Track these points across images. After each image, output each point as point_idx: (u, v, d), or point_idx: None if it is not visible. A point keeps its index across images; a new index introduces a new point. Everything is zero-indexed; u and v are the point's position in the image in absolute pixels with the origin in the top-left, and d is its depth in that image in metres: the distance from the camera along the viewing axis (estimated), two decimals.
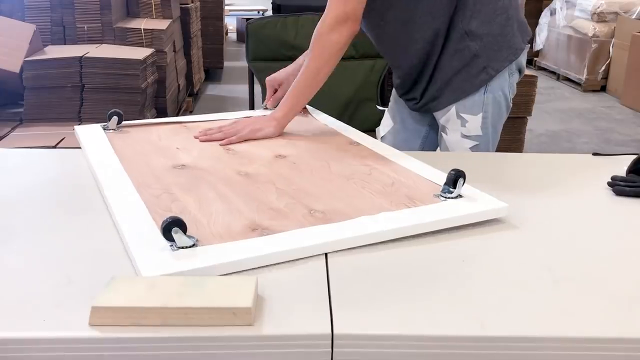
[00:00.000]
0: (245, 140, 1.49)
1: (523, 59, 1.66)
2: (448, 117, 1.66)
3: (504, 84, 1.63)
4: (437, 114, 1.70)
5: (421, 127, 1.83)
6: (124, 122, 1.59)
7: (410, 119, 1.83)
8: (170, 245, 0.96)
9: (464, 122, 1.64)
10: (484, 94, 1.61)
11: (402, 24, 1.59)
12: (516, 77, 1.66)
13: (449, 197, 1.16)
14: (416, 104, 1.73)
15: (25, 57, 3.14)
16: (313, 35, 1.57)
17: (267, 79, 1.81)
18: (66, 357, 0.80)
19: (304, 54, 1.72)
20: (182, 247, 0.96)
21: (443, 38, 1.58)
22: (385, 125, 1.90)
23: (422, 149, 1.83)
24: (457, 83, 1.62)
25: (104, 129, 1.56)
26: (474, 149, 1.65)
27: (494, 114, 1.64)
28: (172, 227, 0.96)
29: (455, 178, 1.16)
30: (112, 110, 1.57)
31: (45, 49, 3.37)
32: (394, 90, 1.86)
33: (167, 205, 1.12)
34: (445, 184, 1.19)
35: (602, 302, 0.91)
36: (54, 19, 3.65)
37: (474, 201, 1.15)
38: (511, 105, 1.70)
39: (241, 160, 1.36)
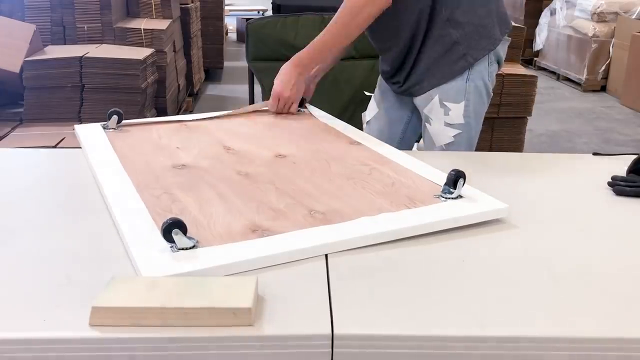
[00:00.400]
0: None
1: (502, 50, 1.71)
2: (431, 106, 1.70)
3: (484, 73, 1.68)
4: (420, 103, 1.74)
5: (404, 113, 1.88)
6: (123, 121, 1.59)
7: (394, 105, 1.89)
8: (171, 247, 0.96)
9: (447, 111, 1.68)
10: (466, 82, 1.67)
11: (392, 7, 1.62)
12: (495, 68, 1.72)
13: (449, 198, 1.17)
14: (400, 87, 1.78)
15: (25, 57, 3.15)
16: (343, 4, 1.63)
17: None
18: (66, 357, 0.80)
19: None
20: (183, 249, 0.96)
21: (426, 23, 1.64)
22: (371, 110, 1.96)
23: (404, 133, 1.90)
24: (438, 68, 1.67)
25: (104, 128, 1.56)
26: (457, 137, 1.68)
27: (475, 102, 1.69)
28: (172, 228, 0.96)
29: (455, 178, 1.16)
30: (112, 109, 1.57)
31: (46, 49, 3.37)
32: (379, 77, 1.92)
33: (167, 206, 1.12)
34: (445, 184, 1.19)
35: (602, 302, 0.91)
36: (54, 19, 3.65)
37: (474, 202, 1.15)
38: (492, 94, 1.75)
39: (241, 159, 1.36)
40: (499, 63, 1.72)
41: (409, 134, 1.91)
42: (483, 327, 0.84)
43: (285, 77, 1.71)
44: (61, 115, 3.21)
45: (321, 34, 1.67)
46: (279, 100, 1.72)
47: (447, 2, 1.62)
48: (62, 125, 3.14)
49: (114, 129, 1.56)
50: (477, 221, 1.13)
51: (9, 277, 0.93)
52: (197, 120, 1.67)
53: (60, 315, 0.83)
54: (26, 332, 0.80)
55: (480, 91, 1.69)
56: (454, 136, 1.68)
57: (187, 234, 0.97)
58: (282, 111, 1.74)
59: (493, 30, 1.66)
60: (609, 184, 1.31)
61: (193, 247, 0.97)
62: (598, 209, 1.23)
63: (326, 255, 1.00)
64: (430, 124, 1.72)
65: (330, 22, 1.64)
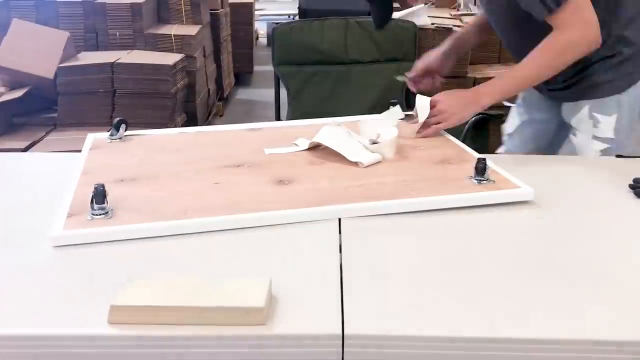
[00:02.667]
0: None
1: None
2: (580, 117, 1.64)
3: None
4: (567, 113, 1.68)
5: (550, 127, 1.81)
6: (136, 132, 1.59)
7: (538, 115, 1.83)
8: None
9: (596, 123, 1.62)
10: (622, 94, 1.61)
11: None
12: None
13: (481, 180, 1.25)
14: (552, 88, 1.69)
15: (59, 64, 3.22)
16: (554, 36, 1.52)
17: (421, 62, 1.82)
18: (87, 353, 0.83)
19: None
20: (95, 215, 1.10)
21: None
22: (512, 122, 1.90)
23: (551, 146, 1.82)
24: (601, 83, 1.61)
25: (110, 137, 1.54)
26: (605, 152, 1.62)
27: (629, 116, 1.62)
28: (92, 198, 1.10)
29: (484, 167, 1.25)
30: (118, 118, 1.54)
31: (79, 55, 3.45)
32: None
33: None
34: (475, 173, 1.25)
35: (618, 305, 0.90)
36: (87, 25, 3.72)
37: (503, 185, 1.24)
38: None
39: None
40: None
41: (556, 147, 1.80)
42: (493, 329, 0.84)
43: (461, 110, 1.57)
44: (93, 120, 3.27)
45: (515, 70, 1.60)
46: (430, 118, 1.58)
47: (621, 21, 1.58)
48: (95, 130, 3.16)
49: (120, 139, 1.53)
50: (503, 201, 1.20)
51: (36, 275, 0.97)
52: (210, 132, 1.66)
53: (84, 313, 0.86)
54: (51, 329, 0.84)
55: (634, 106, 1.62)
56: (601, 150, 1.61)
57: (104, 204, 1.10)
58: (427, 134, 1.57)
59: None
60: (631, 186, 1.30)
61: (106, 213, 1.10)
62: (618, 212, 1.22)
63: (340, 255, 1.02)
64: (575, 135, 1.65)
65: (528, 60, 1.54)
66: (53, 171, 1.43)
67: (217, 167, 1.35)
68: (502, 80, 1.65)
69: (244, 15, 5.91)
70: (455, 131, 1.58)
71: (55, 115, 3.27)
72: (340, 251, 1.04)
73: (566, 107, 1.69)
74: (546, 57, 1.53)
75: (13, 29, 3.25)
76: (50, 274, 0.98)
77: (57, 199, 1.22)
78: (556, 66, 1.53)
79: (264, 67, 6.76)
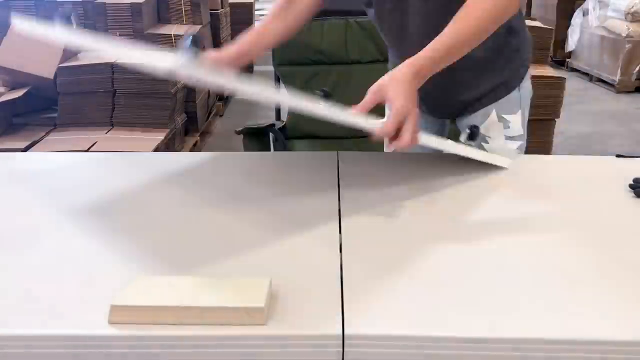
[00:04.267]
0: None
1: None
2: (488, 123, 1.58)
3: (528, 77, 1.60)
4: (470, 123, 1.52)
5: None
6: None
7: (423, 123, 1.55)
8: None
9: (506, 124, 1.58)
10: (519, 90, 1.58)
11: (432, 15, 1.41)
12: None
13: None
14: (439, 109, 1.62)
15: (59, 64, 3.22)
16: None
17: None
18: (87, 353, 0.83)
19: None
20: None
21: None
22: None
23: None
24: (499, 83, 1.56)
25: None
26: (520, 149, 1.59)
27: (526, 107, 1.61)
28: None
29: (472, 133, 1.33)
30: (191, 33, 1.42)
31: (79, 55, 3.44)
32: None
33: None
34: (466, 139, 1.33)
35: (616, 305, 0.90)
36: (87, 26, 3.73)
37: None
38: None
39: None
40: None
41: None
42: (493, 329, 0.84)
43: (409, 91, 1.19)
44: (93, 120, 3.27)
45: (444, 36, 1.27)
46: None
47: None
48: (95, 130, 3.21)
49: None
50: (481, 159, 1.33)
51: (36, 275, 0.97)
52: None
53: (84, 313, 0.86)
54: (50, 330, 0.84)
55: (527, 96, 1.60)
56: (517, 149, 1.58)
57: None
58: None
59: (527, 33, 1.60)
60: (631, 186, 1.30)
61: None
62: (617, 211, 1.22)
63: (340, 256, 1.02)
64: (488, 142, 1.57)
65: (456, 23, 1.28)
66: (53, 170, 1.43)
67: None
68: (427, 53, 1.26)
69: (244, 15, 5.92)
70: None
71: (56, 115, 3.27)
72: (341, 250, 1.04)
73: (470, 117, 1.58)
74: (476, 23, 1.30)
75: (13, 29, 3.25)
76: (51, 272, 0.98)
77: (56, 197, 1.23)
78: (485, 28, 1.31)
79: (264, 67, 6.76)
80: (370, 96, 1.21)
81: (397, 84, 1.20)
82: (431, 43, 1.27)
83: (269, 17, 1.56)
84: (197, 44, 1.28)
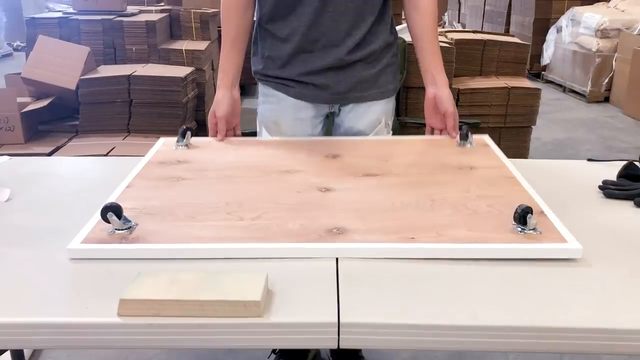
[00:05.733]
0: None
1: None
2: (378, 130, 1.57)
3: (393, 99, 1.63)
4: (362, 129, 1.56)
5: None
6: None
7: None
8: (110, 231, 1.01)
9: (389, 130, 1.60)
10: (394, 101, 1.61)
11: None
12: None
13: (523, 230, 1.02)
14: (332, 93, 1.52)
15: (81, 76, 3.20)
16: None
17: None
18: (102, 340, 0.83)
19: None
20: (118, 230, 1.00)
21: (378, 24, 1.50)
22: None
23: None
24: (390, 88, 1.57)
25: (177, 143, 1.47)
26: None
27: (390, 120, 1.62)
28: (107, 212, 0.99)
29: (523, 214, 1.01)
30: (183, 126, 1.48)
31: (98, 68, 3.43)
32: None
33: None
34: (514, 220, 1.03)
35: (589, 296, 0.89)
36: (106, 41, 3.71)
37: (545, 239, 1.00)
38: None
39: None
40: None
41: None
42: (476, 317, 0.83)
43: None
44: (112, 127, 3.26)
45: (436, 46, 1.52)
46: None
47: (390, 10, 1.52)
48: (113, 136, 3.19)
49: (186, 145, 1.46)
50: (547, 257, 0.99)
51: (58, 270, 0.96)
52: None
53: (102, 304, 0.85)
54: (65, 318, 0.83)
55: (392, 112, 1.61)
56: None
57: (124, 218, 1.00)
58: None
59: None
60: (600, 187, 1.28)
61: (129, 228, 1.00)
62: (588, 210, 1.20)
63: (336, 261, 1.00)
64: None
65: (433, 32, 1.51)
66: (75, 174, 1.42)
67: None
68: (439, 63, 1.51)
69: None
70: None
71: (77, 122, 3.26)
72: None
73: (362, 122, 1.56)
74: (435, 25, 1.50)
75: (39, 45, 3.24)
76: (70, 267, 0.97)
77: (77, 199, 1.21)
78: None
79: None
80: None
81: (450, 97, 1.50)
82: (435, 58, 1.50)
83: (229, 48, 1.56)
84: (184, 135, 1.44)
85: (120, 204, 1.03)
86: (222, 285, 0.83)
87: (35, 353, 1.97)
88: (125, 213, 1.03)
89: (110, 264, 0.97)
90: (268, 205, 1.12)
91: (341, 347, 0.81)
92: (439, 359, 1.97)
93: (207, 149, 1.48)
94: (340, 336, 0.82)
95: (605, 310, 0.86)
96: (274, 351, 1.81)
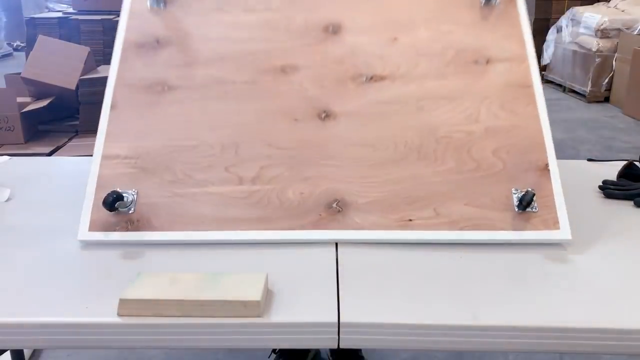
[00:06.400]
0: None
1: None
2: None
3: None
4: None
5: None
6: None
7: None
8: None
9: None
10: None
11: None
12: None
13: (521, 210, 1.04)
14: None
15: (81, 76, 3.20)
16: None
17: None
18: (100, 339, 0.83)
19: None
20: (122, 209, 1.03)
21: None
22: None
23: None
24: None
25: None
26: None
27: None
28: (114, 202, 1.02)
29: (526, 204, 1.03)
30: None
31: (98, 68, 3.43)
32: None
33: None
34: (516, 207, 1.05)
35: (589, 296, 0.89)
36: (106, 41, 3.72)
37: (538, 222, 1.04)
38: None
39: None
40: None
41: None
42: (475, 318, 0.83)
43: None
44: None
45: None
46: None
47: None
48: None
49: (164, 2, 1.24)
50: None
51: (57, 269, 0.96)
52: None
53: (101, 304, 0.85)
54: (66, 318, 0.83)
55: None
56: None
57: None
58: None
59: None
60: (600, 187, 1.28)
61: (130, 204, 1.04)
62: (588, 210, 1.20)
63: (337, 252, 1.00)
64: None
65: None
66: (75, 174, 1.42)
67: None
68: None
69: None
70: None
71: (77, 122, 3.26)
72: (337, 248, 1.02)
73: None
74: None
75: (39, 45, 3.24)
76: (70, 267, 0.97)
77: (77, 199, 1.21)
78: None
79: None
80: None
81: None
82: None
83: None
84: None
85: (113, 152, 1.09)
86: (222, 285, 0.83)
87: (35, 353, 1.97)
88: (119, 162, 1.09)
89: (116, 250, 1.00)
90: (266, 153, 1.08)
91: (341, 347, 0.81)
92: (439, 359, 1.97)
93: (186, 9, 1.24)
94: (341, 336, 0.81)
95: (605, 310, 0.86)
96: (274, 351, 1.81)
